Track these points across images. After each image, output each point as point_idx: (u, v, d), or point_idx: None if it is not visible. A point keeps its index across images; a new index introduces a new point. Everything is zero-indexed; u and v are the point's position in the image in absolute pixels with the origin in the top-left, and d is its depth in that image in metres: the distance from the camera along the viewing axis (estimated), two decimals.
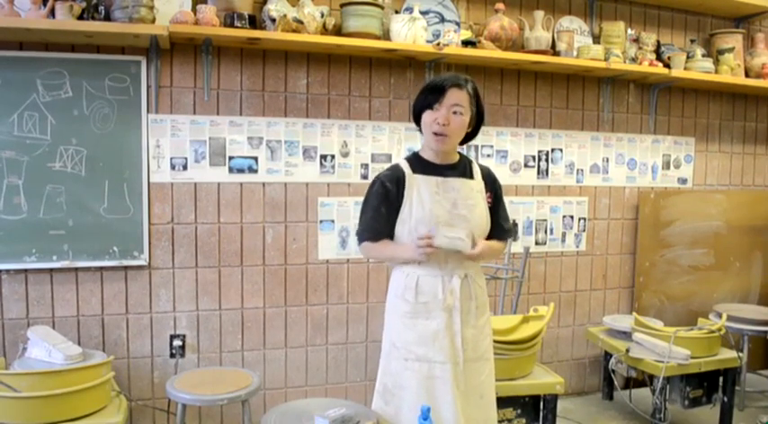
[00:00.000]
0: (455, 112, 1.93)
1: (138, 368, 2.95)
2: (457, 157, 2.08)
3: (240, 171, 3.02)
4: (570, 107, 3.62)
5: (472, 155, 3.37)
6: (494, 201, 2.08)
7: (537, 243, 3.59)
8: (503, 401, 2.66)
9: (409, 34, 2.99)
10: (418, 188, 1.97)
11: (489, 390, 2.09)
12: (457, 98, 1.93)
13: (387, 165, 3.19)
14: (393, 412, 2.02)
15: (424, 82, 3.22)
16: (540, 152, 3.57)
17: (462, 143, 2.07)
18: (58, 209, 2.74)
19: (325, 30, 2.95)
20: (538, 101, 3.54)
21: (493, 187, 2.10)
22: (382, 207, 1.97)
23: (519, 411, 2.76)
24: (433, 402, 1.93)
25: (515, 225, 3.53)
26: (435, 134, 1.94)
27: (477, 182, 2.05)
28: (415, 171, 2.01)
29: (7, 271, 2.73)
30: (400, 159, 2.09)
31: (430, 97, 1.94)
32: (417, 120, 2.02)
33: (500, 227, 2.10)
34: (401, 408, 2.01)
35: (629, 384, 3.43)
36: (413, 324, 2.00)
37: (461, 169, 2.05)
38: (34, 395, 2.16)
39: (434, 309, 1.98)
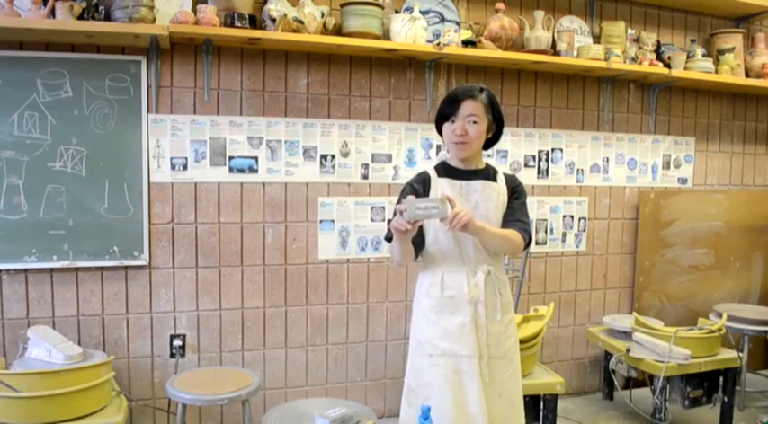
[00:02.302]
0: (471, 122, 2.01)
1: (138, 368, 2.95)
2: (483, 165, 2.14)
3: (240, 171, 3.02)
4: (570, 107, 3.62)
5: None
6: (510, 197, 2.11)
7: (537, 243, 3.59)
8: None
9: (409, 34, 2.99)
10: (442, 189, 2.05)
11: (511, 390, 2.08)
12: (471, 109, 2.00)
13: (387, 165, 3.22)
14: (417, 412, 2.01)
15: (425, 82, 3.26)
16: (540, 152, 3.57)
17: (485, 148, 2.13)
18: (59, 209, 2.74)
19: (325, 30, 2.95)
20: (538, 101, 3.54)
21: (513, 185, 2.13)
22: None
23: None
24: (460, 398, 1.95)
25: None
26: (455, 143, 2.03)
27: (500, 185, 2.10)
28: (440, 175, 2.10)
29: (7, 271, 2.73)
30: (429, 166, 2.15)
31: (447, 110, 2.04)
32: (441, 132, 2.12)
33: (514, 218, 2.07)
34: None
35: (630, 383, 3.43)
36: (437, 319, 2.02)
37: (485, 174, 2.11)
38: (34, 395, 2.16)
39: (460, 303, 2.01)
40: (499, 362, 2.04)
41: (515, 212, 2.09)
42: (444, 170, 2.11)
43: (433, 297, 2.04)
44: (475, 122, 2.01)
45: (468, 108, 2.00)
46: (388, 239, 2.04)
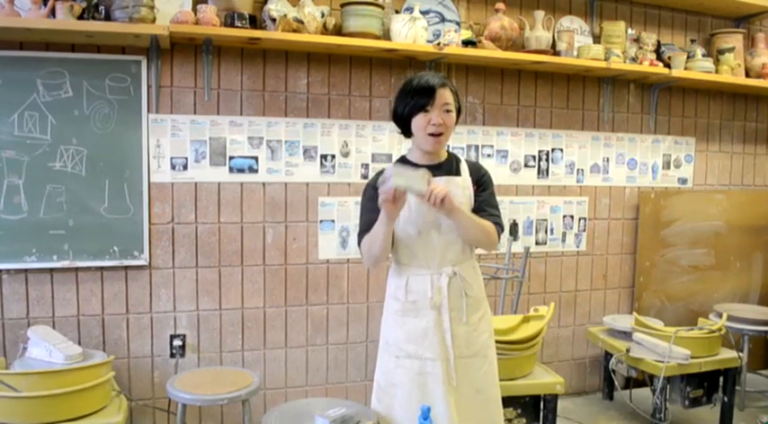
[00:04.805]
0: (447, 111, 1.95)
1: (138, 368, 2.95)
2: (445, 156, 2.07)
3: (240, 170, 3.02)
4: (570, 107, 3.62)
5: (473, 155, 3.37)
6: (478, 189, 2.05)
7: (537, 243, 3.59)
8: (503, 401, 2.65)
9: (410, 34, 2.99)
10: None
11: (488, 386, 2.08)
12: (446, 97, 1.95)
13: (387, 165, 3.20)
14: (385, 409, 2.04)
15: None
16: (540, 152, 3.57)
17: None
18: (59, 209, 2.74)
19: (325, 30, 2.95)
20: (538, 101, 3.54)
21: (478, 176, 2.07)
22: (375, 209, 1.97)
23: (519, 411, 2.76)
24: (424, 399, 1.95)
25: (515, 224, 3.53)
26: (432, 135, 1.95)
27: (464, 179, 2.04)
28: None
29: (8, 271, 2.73)
30: (389, 165, 2.09)
31: (420, 100, 1.93)
32: (403, 124, 2.00)
33: (484, 212, 2.02)
34: (392, 405, 2.03)
35: (630, 383, 3.43)
36: (403, 322, 2.02)
37: (447, 168, 2.04)
38: (34, 395, 2.16)
39: (423, 307, 1.99)
40: (472, 360, 2.03)
41: (484, 205, 2.03)
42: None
43: (398, 301, 2.04)
44: (450, 111, 1.95)
45: (443, 96, 1.93)
46: (360, 243, 2.02)
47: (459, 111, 2.03)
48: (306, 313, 3.19)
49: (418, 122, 1.95)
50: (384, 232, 1.90)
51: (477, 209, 2.01)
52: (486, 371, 2.07)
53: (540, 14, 3.33)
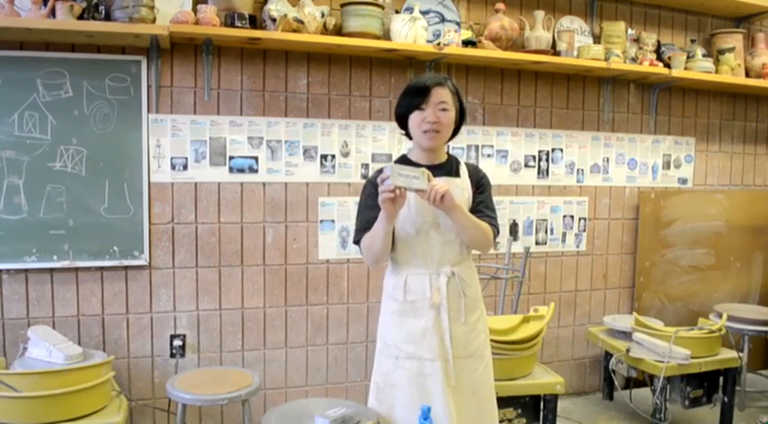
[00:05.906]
0: (442, 109, 1.97)
1: (138, 368, 2.95)
2: (445, 157, 2.09)
3: (240, 171, 3.02)
4: (570, 107, 3.62)
5: (473, 155, 3.37)
6: (476, 191, 2.07)
7: (537, 243, 3.59)
8: (503, 401, 2.66)
9: (410, 34, 2.99)
10: None
11: (484, 387, 2.08)
12: (441, 96, 1.97)
13: (387, 165, 3.20)
14: (386, 411, 2.04)
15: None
16: (540, 152, 3.57)
17: (448, 139, 2.09)
18: (59, 209, 2.74)
19: (325, 30, 2.95)
20: (538, 101, 3.54)
21: (477, 178, 2.09)
22: (374, 207, 1.98)
23: (519, 411, 2.76)
24: (424, 399, 1.95)
25: (515, 224, 3.53)
26: (426, 132, 1.97)
27: (463, 181, 2.06)
28: None
29: (8, 271, 2.73)
30: (389, 163, 2.10)
31: (416, 99, 1.97)
32: (403, 124, 2.05)
33: (481, 213, 2.04)
34: (394, 406, 2.03)
35: (630, 384, 3.43)
36: (401, 323, 2.02)
37: (447, 168, 2.06)
38: (34, 395, 2.16)
39: (422, 307, 2.00)
40: (469, 361, 2.04)
41: (481, 207, 2.04)
42: (406, 165, 2.03)
43: (396, 301, 2.03)
44: (447, 109, 1.96)
45: (438, 95, 1.95)
46: (357, 241, 2.03)
47: (462, 112, 2.04)
48: (306, 313, 3.19)
49: (414, 120, 1.99)
50: (384, 231, 1.91)
51: (475, 211, 2.02)
52: (481, 372, 2.08)
53: (540, 14, 3.33)
